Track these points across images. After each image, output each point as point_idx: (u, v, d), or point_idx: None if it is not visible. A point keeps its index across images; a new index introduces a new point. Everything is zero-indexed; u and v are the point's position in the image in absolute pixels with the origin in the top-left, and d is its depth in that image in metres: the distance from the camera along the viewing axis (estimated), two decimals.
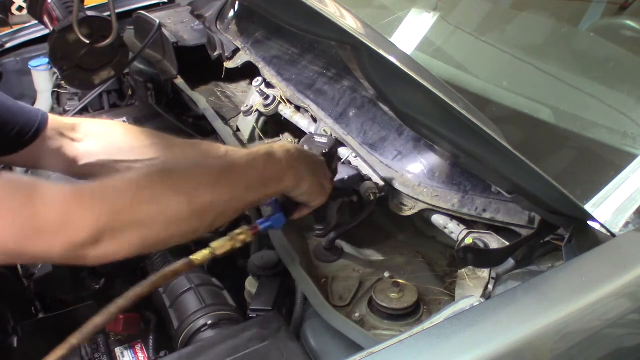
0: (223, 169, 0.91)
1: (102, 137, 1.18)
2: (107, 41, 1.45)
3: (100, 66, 1.56)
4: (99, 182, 0.80)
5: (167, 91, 2.06)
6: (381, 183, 1.23)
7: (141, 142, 1.18)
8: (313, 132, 1.44)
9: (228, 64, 1.81)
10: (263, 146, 0.99)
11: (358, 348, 0.95)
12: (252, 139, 1.69)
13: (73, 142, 1.16)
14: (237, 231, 0.99)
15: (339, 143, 1.32)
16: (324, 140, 1.19)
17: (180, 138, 1.22)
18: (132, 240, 0.79)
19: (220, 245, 0.97)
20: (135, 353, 1.20)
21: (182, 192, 0.83)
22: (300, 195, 1.01)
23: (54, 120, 1.16)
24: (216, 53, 1.83)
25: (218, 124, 1.67)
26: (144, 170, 0.86)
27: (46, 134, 1.13)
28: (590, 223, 0.99)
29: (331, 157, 1.17)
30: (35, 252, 0.76)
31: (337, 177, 1.28)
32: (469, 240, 1.09)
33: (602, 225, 0.99)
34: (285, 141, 1.20)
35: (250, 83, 1.69)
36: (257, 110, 1.64)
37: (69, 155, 1.16)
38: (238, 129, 1.73)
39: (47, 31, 1.79)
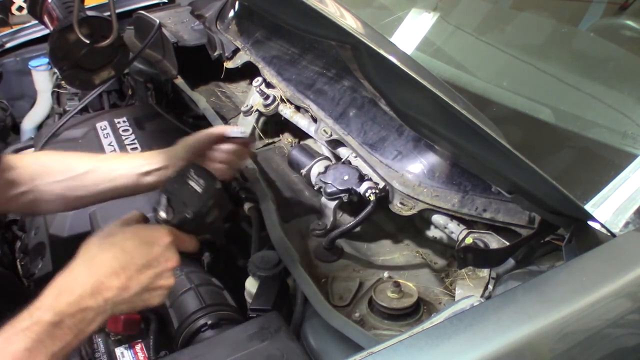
0: None
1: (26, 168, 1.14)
2: (107, 41, 1.45)
3: (100, 66, 1.55)
4: None
5: (167, 91, 2.06)
6: (381, 183, 1.23)
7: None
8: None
9: (228, 64, 1.81)
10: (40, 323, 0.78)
11: (358, 348, 0.95)
12: (252, 138, 1.69)
13: None
14: None
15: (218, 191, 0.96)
16: (198, 188, 0.88)
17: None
18: None
19: None
20: (135, 353, 1.20)
21: None
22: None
23: None
24: (216, 53, 1.84)
25: (218, 124, 1.67)
26: None
27: None
28: (590, 223, 0.99)
29: (198, 215, 0.90)
30: None
31: (337, 177, 1.28)
32: (469, 240, 1.09)
33: (602, 225, 0.99)
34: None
35: (250, 83, 1.69)
36: (257, 110, 1.64)
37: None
38: None
39: (47, 31, 1.79)
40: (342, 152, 1.39)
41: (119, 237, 0.87)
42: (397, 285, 1.07)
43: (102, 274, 0.82)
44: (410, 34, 1.65)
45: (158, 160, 1.19)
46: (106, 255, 0.84)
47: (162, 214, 0.91)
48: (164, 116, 1.91)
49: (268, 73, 1.65)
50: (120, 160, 1.22)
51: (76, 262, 0.84)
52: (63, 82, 2.19)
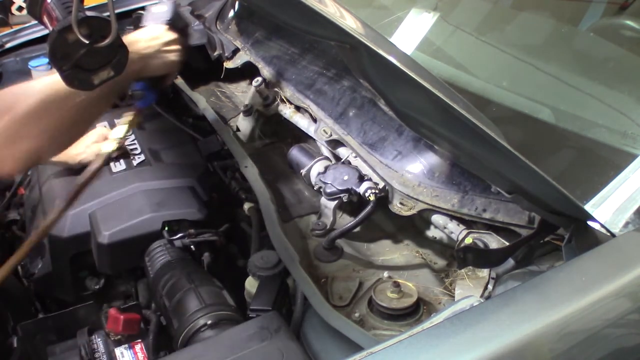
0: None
1: None
2: (107, 41, 1.45)
3: (99, 66, 1.55)
4: None
5: (167, 91, 2.06)
6: (381, 183, 1.23)
7: None
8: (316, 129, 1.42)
9: (228, 64, 1.81)
10: None
11: (358, 348, 0.95)
12: (252, 138, 1.69)
13: None
14: (127, 117, 1.27)
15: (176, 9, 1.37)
16: (164, 9, 1.31)
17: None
18: None
19: (123, 134, 1.25)
20: (135, 353, 1.20)
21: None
22: (154, 72, 1.24)
23: None
24: (216, 53, 1.83)
25: (218, 124, 1.66)
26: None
27: None
28: (590, 223, 0.99)
29: (176, 22, 1.30)
30: None
31: (337, 177, 1.28)
32: (468, 240, 1.09)
33: (602, 225, 0.99)
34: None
35: (250, 83, 1.69)
36: (257, 110, 1.64)
37: None
38: (238, 129, 1.73)
39: (47, 31, 1.79)
40: (342, 152, 1.39)
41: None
42: (396, 285, 1.07)
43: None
44: (410, 34, 1.65)
45: None
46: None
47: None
48: (164, 116, 1.91)
49: (268, 73, 1.65)
50: None
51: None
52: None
